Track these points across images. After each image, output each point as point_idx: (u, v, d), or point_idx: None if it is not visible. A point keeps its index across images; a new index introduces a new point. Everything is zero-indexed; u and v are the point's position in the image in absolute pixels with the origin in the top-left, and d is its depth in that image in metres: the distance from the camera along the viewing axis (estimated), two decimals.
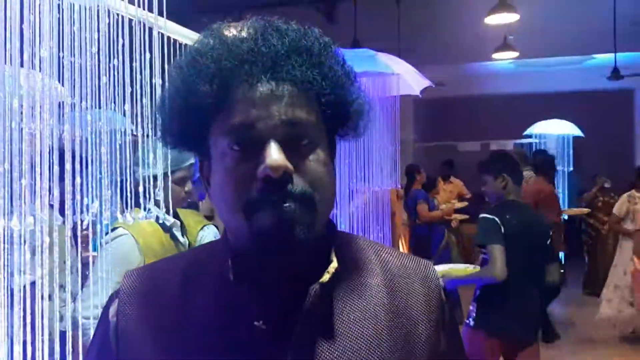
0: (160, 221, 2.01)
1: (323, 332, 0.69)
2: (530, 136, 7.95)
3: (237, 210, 0.67)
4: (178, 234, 2.14)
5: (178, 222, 2.15)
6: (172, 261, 0.82)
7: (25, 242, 1.32)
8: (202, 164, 0.76)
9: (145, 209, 1.74)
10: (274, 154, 0.64)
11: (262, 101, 0.66)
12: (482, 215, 3.03)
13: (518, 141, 7.90)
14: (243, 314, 0.69)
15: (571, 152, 7.92)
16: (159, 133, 0.76)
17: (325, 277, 0.70)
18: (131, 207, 1.69)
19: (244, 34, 0.70)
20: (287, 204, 0.65)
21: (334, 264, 0.72)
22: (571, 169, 7.96)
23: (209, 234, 2.46)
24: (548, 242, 3.10)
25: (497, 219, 2.91)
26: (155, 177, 1.78)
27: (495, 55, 7.19)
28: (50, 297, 1.43)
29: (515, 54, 7.07)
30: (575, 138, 7.88)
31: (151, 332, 0.72)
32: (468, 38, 7.22)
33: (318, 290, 0.69)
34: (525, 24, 6.50)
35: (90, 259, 2.04)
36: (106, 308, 0.77)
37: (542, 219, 3.26)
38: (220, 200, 0.70)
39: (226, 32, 0.71)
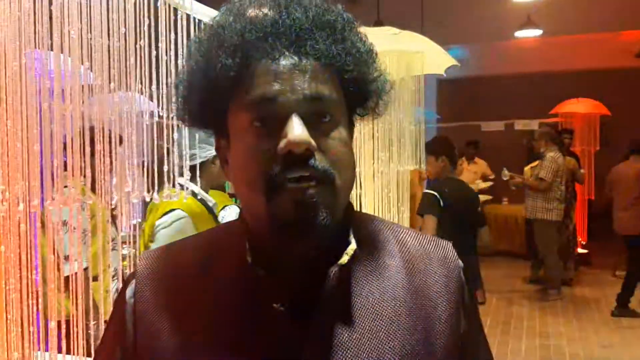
0: (211, 203, 2.07)
1: (342, 314, 0.69)
2: (556, 115, 7.81)
3: (256, 190, 0.65)
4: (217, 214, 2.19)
5: (217, 203, 2.20)
6: (189, 242, 0.81)
7: (65, 225, 1.35)
8: (219, 142, 0.75)
9: (182, 187, 1.78)
10: (297, 129, 0.63)
11: (285, 75, 0.65)
12: (424, 190, 3.83)
13: (544, 120, 7.76)
14: (261, 296, 0.68)
15: (598, 131, 7.77)
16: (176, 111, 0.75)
17: (344, 258, 0.69)
18: (160, 187, 1.72)
19: (267, 7, 0.68)
20: (309, 187, 0.63)
21: (353, 246, 0.71)
22: (598, 148, 7.82)
23: (230, 213, 2.51)
24: (479, 209, 4.01)
25: (436, 193, 3.62)
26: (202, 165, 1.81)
27: (518, 33, 7.05)
28: (96, 278, 1.47)
29: (539, 31, 6.92)
30: (602, 117, 7.73)
31: (169, 314, 0.71)
32: (491, 16, 7.08)
33: (337, 272, 0.68)
34: (550, 0, 6.35)
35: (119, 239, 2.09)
36: (123, 289, 0.77)
37: (473, 192, 4.06)
38: (239, 178, 0.69)
39: (247, 5, 0.69)
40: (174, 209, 2.01)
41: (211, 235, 0.81)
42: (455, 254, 0.79)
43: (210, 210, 2.18)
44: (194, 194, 2.07)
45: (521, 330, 5.25)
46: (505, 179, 6.34)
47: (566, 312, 5.77)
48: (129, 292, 0.75)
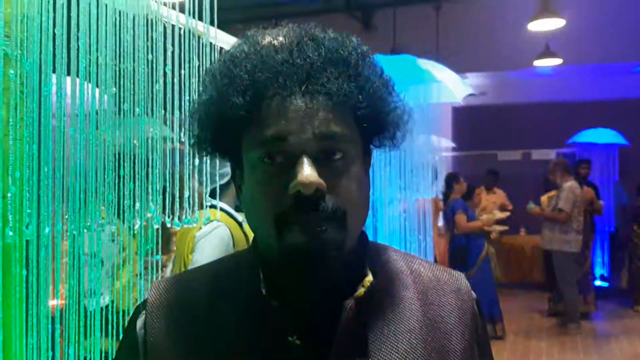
0: (240, 219, 2.18)
1: (358, 347, 0.68)
2: (573, 145, 7.76)
3: (267, 223, 0.66)
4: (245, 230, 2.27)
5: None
6: (199, 272, 0.80)
7: (94, 256, 1.35)
8: (234, 172, 0.75)
9: (211, 206, 1.89)
10: (306, 171, 0.63)
11: (295, 114, 0.64)
12: None
13: (561, 150, 7.71)
14: (276, 329, 0.67)
15: (617, 161, 7.70)
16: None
17: (361, 290, 0.69)
18: (184, 210, 1.74)
19: (279, 43, 0.68)
20: (319, 223, 0.63)
21: (369, 278, 0.71)
22: (617, 179, 7.73)
23: None
24: None
25: None
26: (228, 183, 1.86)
27: (537, 62, 7.06)
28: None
29: (559, 60, 6.93)
30: (621, 147, 7.66)
31: (181, 346, 0.70)
32: (509, 45, 7.10)
33: (354, 305, 0.68)
34: (568, 29, 6.36)
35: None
36: (133, 320, 0.76)
37: None
38: (250, 210, 0.69)
39: (261, 40, 0.69)
40: (211, 220, 2.06)
41: (221, 265, 0.80)
42: (469, 285, 0.79)
43: (240, 225, 2.25)
44: (222, 210, 2.13)
45: None
46: (531, 212, 6.28)
47: (586, 346, 5.63)
48: (139, 322, 0.74)
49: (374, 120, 0.70)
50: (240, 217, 2.26)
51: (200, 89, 0.73)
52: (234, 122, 0.67)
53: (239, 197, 0.75)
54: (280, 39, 0.68)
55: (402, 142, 0.75)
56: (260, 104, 0.65)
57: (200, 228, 2.11)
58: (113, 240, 1.52)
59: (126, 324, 0.78)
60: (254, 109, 0.65)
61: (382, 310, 0.71)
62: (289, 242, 0.64)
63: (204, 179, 1.87)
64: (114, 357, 0.83)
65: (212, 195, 1.90)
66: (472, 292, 0.78)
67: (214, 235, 2.09)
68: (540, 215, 6.20)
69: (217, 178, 1.86)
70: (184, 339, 0.71)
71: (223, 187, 2.09)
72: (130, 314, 0.78)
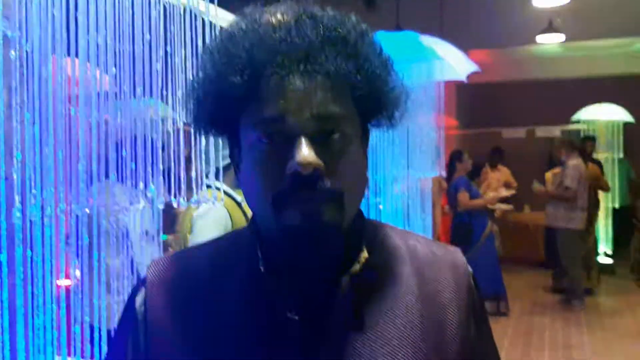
0: (239, 199, 2.19)
1: (355, 323, 0.69)
2: (578, 122, 7.71)
3: (264, 203, 0.66)
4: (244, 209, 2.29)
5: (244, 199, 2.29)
6: (198, 250, 0.80)
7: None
8: (232, 150, 0.75)
9: (215, 188, 1.90)
10: (304, 151, 0.63)
11: (293, 94, 0.64)
12: None
13: (565, 127, 7.67)
14: (275, 305, 0.68)
15: (621, 138, 7.65)
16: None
17: (356, 267, 0.70)
18: (190, 190, 1.76)
19: (277, 21, 0.67)
20: (316, 203, 0.64)
21: (364, 254, 0.72)
22: (621, 155, 7.69)
23: None
24: None
25: None
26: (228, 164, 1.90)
27: (540, 39, 6.98)
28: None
29: (562, 36, 6.85)
30: (626, 124, 7.61)
31: (181, 323, 0.71)
32: (512, 21, 7.02)
33: (349, 281, 0.69)
34: (572, 5, 6.27)
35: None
36: (132, 297, 0.76)
37: None
38: (248, 190, 0.70)
39: (259, 18, 0.68)
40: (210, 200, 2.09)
41: (220, 243, 0.80)
42: (465, 259, 0.79)
43: (238, 204, 2.27)
44: (218, 189, 2.15)
45: (543, 342, 5.17)
46: (536, 191, 6.26)
47: (590, 323, 5.66)
48: (138, 300, 0.75)
49: (373, 100, 0.70)
50: (239, 197, 2.28)
51: (199, 67, 0.73)
52: (231, 101, 0.67)
53: (237, 175, 0.75)
54: (279, 16, 0.67)
55: (400, 121, 0.74)
56: (258, 83, 0.65)
57: (197, 209, 2.13)
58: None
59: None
60: (251, 88, 0.65)
61: (379, 285, 0.72)
62: (286, 221, 0.64)
63: (206, 159, 1.88)
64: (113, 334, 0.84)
65: (211, 176, 1.91)
66: (468, 267, 0.79)
67: (211, 215, 2.10)
68: (546, 195, 6.19)
69: (221, 159, 1.87)
70: (184, 315, 0.71)
71: (223, 168, 2.09)
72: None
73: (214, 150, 1.82)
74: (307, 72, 0.64)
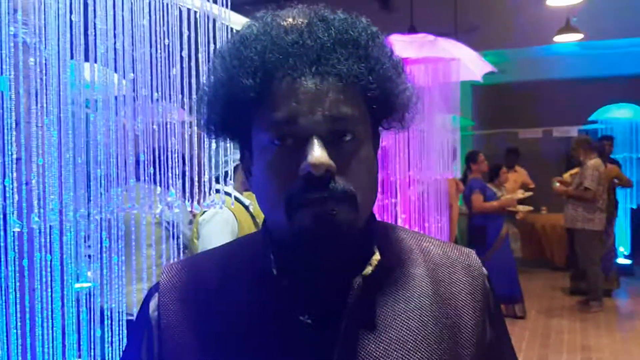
0: (247, 203, 2.22)
1: (368, 325, 0.69)
2: (595, 122, 7.62)
3: (277, 205, 0.66)
4: (252, 212, 2.31)
5: (253, 203, 2.32)
6: (211, 254, 0.80)
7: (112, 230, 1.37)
8: (243, 154, 0.75)
9: (225, 193, 1.91)
10: (317, 152, 0.63)
11: (306, 96, 0.64)
12: None
13: (583, 127, 7.58)
14: (288, 309, 0.68)
15: None
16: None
17: (368, 269, 0.70)
18: (203, 195, 1.76)
19: (289, 24, 0.68)
20: (329, 204, 0.64)
21: (376, 256, 0.71)
22: None
23: None
24: None
25: None
26: (235, 168, 1.92)
27: (557, 38, 6.91)
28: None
29: (580, 36, 6.77)
30: None
31: (195, 327, 0.71)
32: (528, 21, 6.96)
33: (361, 283, 0.68)
34: (589, 4, 6.20)
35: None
36: (146, 302, 0.76)
37: None
38: (261, 193, 0.70)
39: (271, 22, 0.69)
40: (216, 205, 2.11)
41: (233, 247, 0.81)
42: (479, 261, 0.79)
43: (246, 208, 2.29)
44: (229, 195, 2.16)
45: (561, 344, 5.11)
46: (557, 191, 6.20)
47: (609, 324, 5.59)
48: (152, 305, 0.75)
49: (384, 102, 0.70)
50: (247, 200, 2.29)
51: (209, 72, 0.73)
52: (243, 104, 0.67)
53: (247, 179, 0.75)
54: (290, 20, 0.68)
55: (410, 124, 0.75)
56: (270, 86, 0.65)
57: (202, 214, 2.14)
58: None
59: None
60: (264, 91, 0.66)
61: (392, 288, 0.72)
62: (299, 223, 0.65)
63: (215, 163, 1.89)
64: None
65: (218, 180, 1.92)
66: (483, 269, 0.78)
67: (216, 220, 2.11)
68: (566, 194, 6.12)
69: (230, 163, 1.88)
70: (197, 320, 0.71)
71: (226, 173, 2.12)
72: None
73: (222, 154, 1.83)
74: (319, 73, 0.65)
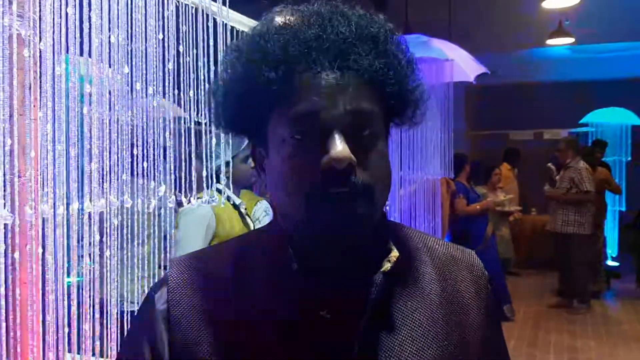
0: (231, 202, 2.27)
1: (386, 321, 0.69)
2: (586, 124, 7.68)
3: (298, 199, 0.66)
4: (244, 212, 2.35)
5: (244, 203, 2.32)
6: (220, 248, 0.80)
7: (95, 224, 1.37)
8: (255, 150, 0.75)
9: (216, 190, 1.93)
10: (339, 145, 0.63)
11: (327, 90, 0.64)
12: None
13: (573, 130, 7.64)
14: (306, 304, 0.68)
15: (629, 141, 7.62)
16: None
17: (387, 266, 0.70)
18: (195, 191, 1.76)
19: (310, 18, 0.68)
20: (349, 198, 0.64)
21: (395, 253, 0.72)
22: (629, 158, 7.66)
23: (259, 208, 2.64)
24: None
25: None
26: (227, 163, 1.93)
27: (550, 41, 6.95)
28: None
29: (571, 39, 6.82)
30: (635, 127, 7.57)
31: (208, 321, 0.70)
32: (522, 23, 6.99)
33: (382, 279, 0.69)
34: (582, 8, 6.24)
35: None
36: (151, 295, 0.75)
37: None
38: (278, 188, 0.69)
39: (289, 16, 0.69)
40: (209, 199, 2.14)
41: (244, 241, 0.80)
42: (480, 261, 0.80)
43: (235, 207, 2.33)
44: (219, 192, 2.18)
45: (549, 345, 5.15)
46: (550, 195, 6.20)
47: (596, 326, 5.64)
48: (160, 298, 0.74)
49: (399, 98, 0.71)
50: (237, 199, 2.33)
51: (222, 67, 0.73)
52: (262, 98, 0.67)
53: (260, 175, 0.75)
54: (311, 14, 0.69)
55: (421, 120, 0.76)
56: (292, 79, 0.65)
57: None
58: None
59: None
60: (284, 84, 0.65)
61: (404, 285, 0.72)
62: (320, 216, 0.65)
63: (205, 159, 1.89)
64: (127, 334, 0.84)
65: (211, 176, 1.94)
66: (484, 269, 0.80)
67: (194, 213, 2.18)
68: (560, 198, 6.07)
69: (223, 159, 1.89)
70: (210, 314, 0.71)
71: (219, 169, 2.14)
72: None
73: (214, 150, 1.83)
74: (340, 68, 0.65)
